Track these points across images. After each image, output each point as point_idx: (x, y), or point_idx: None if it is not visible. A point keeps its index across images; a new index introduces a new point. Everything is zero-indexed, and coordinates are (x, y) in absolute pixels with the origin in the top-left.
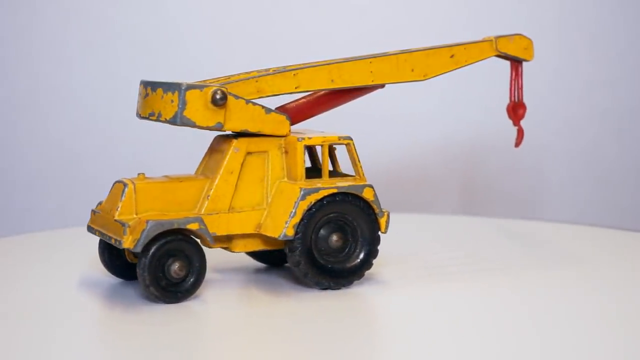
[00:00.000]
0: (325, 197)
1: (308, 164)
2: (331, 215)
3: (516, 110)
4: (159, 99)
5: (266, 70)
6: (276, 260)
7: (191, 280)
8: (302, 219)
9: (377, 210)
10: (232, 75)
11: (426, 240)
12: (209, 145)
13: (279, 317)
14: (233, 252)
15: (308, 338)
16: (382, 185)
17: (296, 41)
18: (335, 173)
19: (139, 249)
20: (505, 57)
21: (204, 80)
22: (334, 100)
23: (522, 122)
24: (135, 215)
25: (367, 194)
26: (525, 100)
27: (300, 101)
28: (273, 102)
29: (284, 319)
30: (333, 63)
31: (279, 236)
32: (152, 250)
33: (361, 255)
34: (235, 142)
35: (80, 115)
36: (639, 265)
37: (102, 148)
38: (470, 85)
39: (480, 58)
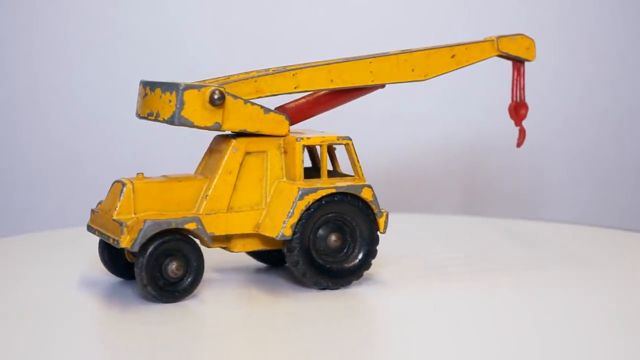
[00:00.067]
0: (323, 197)
1: (309, 164)
2: (330, 215)
3: (518, 110)
4: (158, 99)
5: (266, 70)
6: (276, 260)
7: (189, 279)
8: (300, 219)
9: (375, 211)
10: (231, 75)
11: (426, 241)
12: (208, 145)
13: (277, 317)
14: (232, 251)
15: (306, 338)
16: (383, 185)
17: (296, 41)
18: (335, 173)
19: (136, 249)
20: (507, 57)
21: (203, 80)
22: (334, 100)
23: (523, 122)
24: (133, 215)
25: (365, 194)
26: (526, 100)
27: (300, 101)
28: (273, 102)
29: (283, 319)
30: (332, 63)
31: (277, 236)
32: (150, 249)
33: (360, 256)
34: (234, 142)
35: (80, 115)
36: (639, 265)
37: (102, 148)
38: (471, 85)
39: (481, 58)
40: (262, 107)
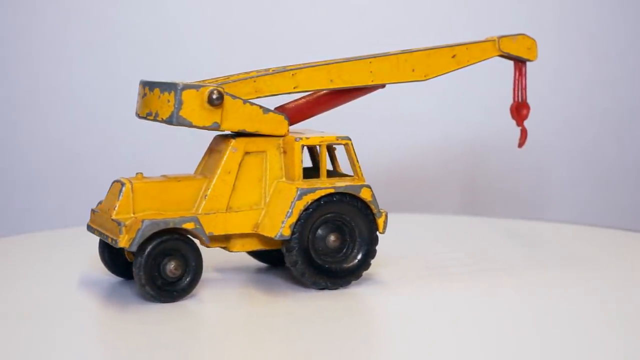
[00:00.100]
0: (322, 197)
1: (309, 164)
2: (329, 215)
3: (520, 110)
4: (156, 99)
5: (265, 70)
6: (276, 260)
7: (187, 279)
8: (299, 219)
9: (375, 211)
10: (231, 75)
11: (426, 241)
12: (208, 145)
13: (276, 317)
14: (231, 251)
15: (305, 338)
16: (383, 186)
17: (296, 41)
18: (335, 173)
19: (134, 248)
20: (508, 57)
21: (203, 80)
22: (334, 100)
23: (525, 122)
24: (132, 215)
25: (364, 194)
26: (527, 100)
27: (300, 101)
28: (273, 102)
29: (282, 319)
30: (332, 63)
31: (276, 236)
32: (148, 249)
33: (359, 256)
34: (233, 142)
35: (80, 115)
36: (639, 265)
37: (102, 148)
38: (471, 85)
39: (482, 58)
40: (261, 107)
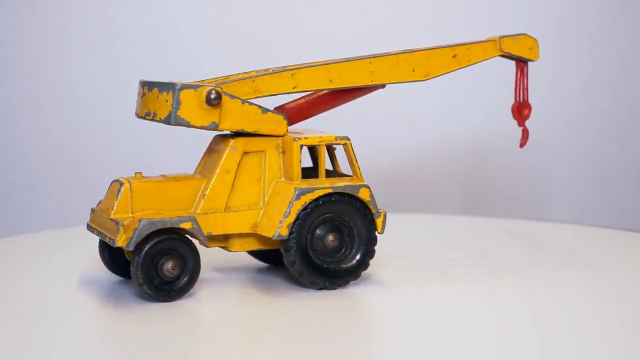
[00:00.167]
0: (320, 197)
1: (310, 164)
2: (327, 215)
3: (521, 110)
4: (155, 99)
5: (265, 70)
6: (277, 260)
7: (185, 279)
8: (297, 219)
9: (373, 211)
10: (231, 75)
11: (426, 241)
12: (207, 145)
13: (274, 317)
14: (230, 251)
15: (304, 338)
16: (383, 186)
17: (296, 41)
18: (334, 173)
19: (131, 248)
20: (509, 57)
21: (202, 80)
22: (334, 100)
23: (526, 123)
24: (131, 214)
25: (363, 194)
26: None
27: (300, 101)
28: (273, 103)
29: (280, 319)
30: (332, 63)
31: (273, 236)
32: (145, 249)
33: (358, 256)
34: (232, 141)
35: (80, 115)
36: (639, 265)
37: (102, 148)
38: (471, 85)
39: (483, 58)
40: (260, 107)
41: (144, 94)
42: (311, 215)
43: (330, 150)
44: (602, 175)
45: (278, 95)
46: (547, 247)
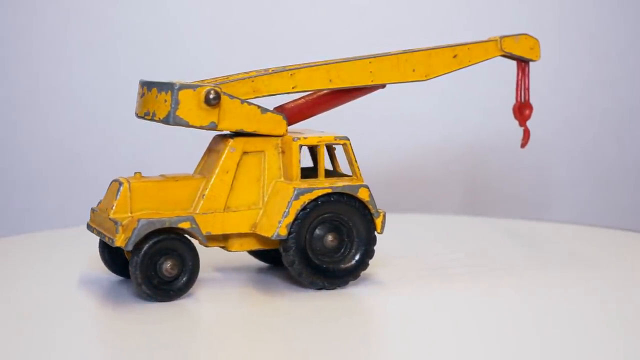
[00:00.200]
0: (319, 197)
1: (311, 164)
2: (326, 215)
3: (522, 110)
4: (154, 99)
5: (265, 70)
6: (278, 260)
7: (184, 279)
8: (295, 219)
9: (372, 211)
10: (230, 75)
11: (426, 241)
12: (207, 145)
13: (273, 317)
14: (229, 251)
15: (303, 338)
16: (383, 186)
17: (296, 41)
18: (334, 173)
19: (129, 248)
20: (510, 57)
21: (202, 80)
22: (334, 100)
23: (527, 123)
24: (130, 214)
25: (362, 194)
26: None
27: (300, 101)
28: (273, 103)
29: (279, 319)
30: (331, 63)
31: (272, 236)
32: (144, 248)
33: (357, 256)
34: (231, 141)
35: (80, 115)
36: (639, 265)
37: (102, 148)
38: (471, 85)
39: (484, 58)
40: (259, 107)
41: (143, 94)
42: (310, 215)
43: (331, 150)
44: (602, 175)
45: (278, 96)
46: (547, 247)
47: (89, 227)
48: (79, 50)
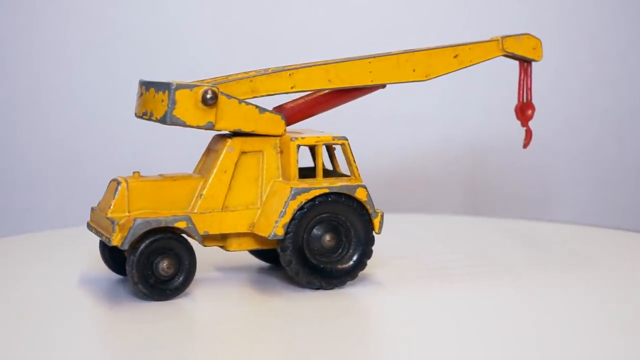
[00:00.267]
0: (317, 197)
1: (311, 163)
2: (324, 215)
3: (524, 111)
4: (152, 99)
5: (265, 70)
6: (279, 260)
7: (181, 278)
8: (292, 219)
9: (370, 211)
10: (230, 75)
11: (426, 241)
12: (207, 145)
13: (271, 317)
14: (228, 250)
15: (300, 338)
16: (383, 186)
17: (296, 41)
18: (334, 173)
19: (125, 247)
20: (512, 57)
21: (201, 80)
22: (334, 100)
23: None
24: (127, 213)
25: (359, 194)
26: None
27: (299, 101)
28: (273, 103)
29: (276, 319)
30: (331, 63)
31: (269, 235)
32: (141, 247)
33: (355, 256)
34: (229, 141)
35: (80, 115)
36: (639, 265)
37: (102, 148)
38: (471, 85)
39: (486, 58)
40: (257, 106)
41: (142, 94)
42: (307, 215)
43: (330, 150)
44: (602, 175)
45: (278, 96)
46: (547, 247)
47: (88, 226)
48: (79, 50)
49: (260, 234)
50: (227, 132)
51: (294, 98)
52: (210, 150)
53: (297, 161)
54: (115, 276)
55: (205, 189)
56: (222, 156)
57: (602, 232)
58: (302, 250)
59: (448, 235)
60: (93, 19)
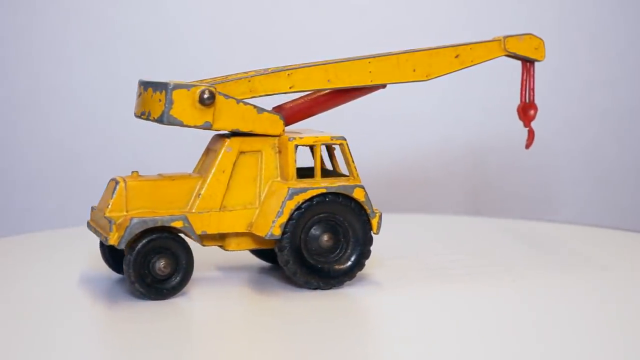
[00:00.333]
0: (314, 197)
1: (311, 163)
2: (321, 215)
3: (527, 111)
4: (150, 98)
5: (264, 70)
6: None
7: (178, 278)
8: (290, 219)
9: (368, 211)
10: (229, 75)
11: (427, 241)
12: (206, 145)
13: (268, 317)
14: (227, 250)
15: (298, 338)
16: (383, 186)
17: (296, 41)
18: (333, 173)
19: (122, 246)
20: (515, 57)
21: (200, 80)
22: (333, 100)
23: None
24: (125, 213)
25: (357, 195)
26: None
27: (299, 101)
28: (273, 103)
29: (274, 319)
30: (330, 63)
31: (266, 235)
32: (138, 247)
33: (353, 256)
34: (228, 141)
35: (80, 115)
36: (639, 265)
37: (102, 148)
38: (471, 85)
39: (487, 58)
40: (255, 106)
41: (140, 94)
42: (305, 215)
43: (330, 150)
44: (602, 175)
45: (277, 95)
46: (547, 247)
47: (88, 225)
48: (79, 50)
49: (257, 233)
50: (225, 132)
51: (294, 98)
52: (210, 150)
53: (295, 161)
54: (115, 276)
55: (204, 189)
56: (220, 156)
57: (602, 232)
58: (300, 250)
59: (448, 235)
60: (93, 19)
